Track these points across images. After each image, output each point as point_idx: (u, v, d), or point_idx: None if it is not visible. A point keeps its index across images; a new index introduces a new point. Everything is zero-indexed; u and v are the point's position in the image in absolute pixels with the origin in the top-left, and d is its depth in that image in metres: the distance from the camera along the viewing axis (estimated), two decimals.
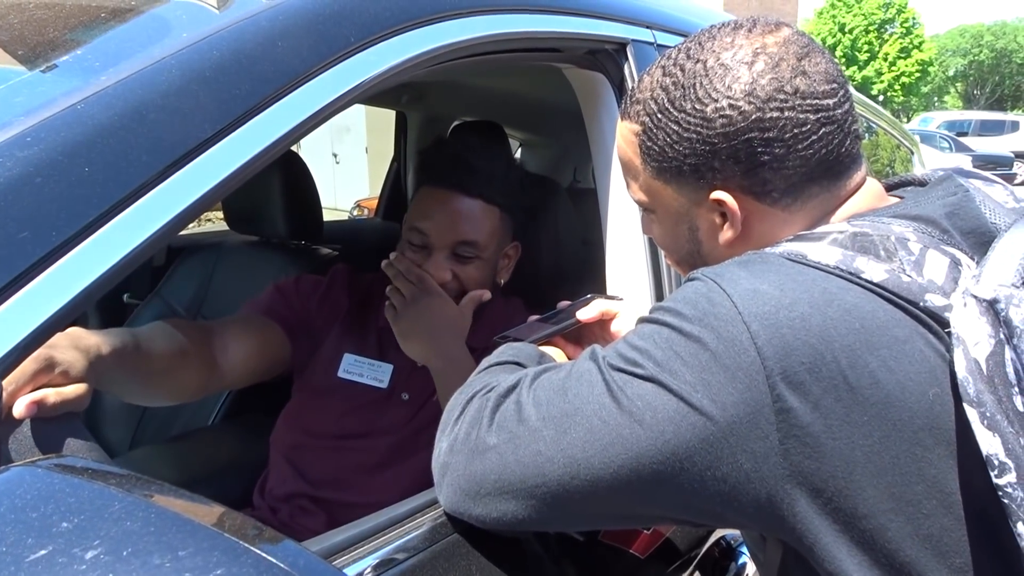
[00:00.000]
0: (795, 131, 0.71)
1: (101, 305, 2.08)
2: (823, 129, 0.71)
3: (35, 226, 0.54)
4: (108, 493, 0.38)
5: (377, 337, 1.31)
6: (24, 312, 0.53)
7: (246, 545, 0.36)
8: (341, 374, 1.28)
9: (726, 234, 0.77)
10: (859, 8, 39.94)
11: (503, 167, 1.26)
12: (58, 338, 0.76)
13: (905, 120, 33.26)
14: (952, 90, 57.22)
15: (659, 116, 0.75)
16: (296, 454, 1.28)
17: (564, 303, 1.04)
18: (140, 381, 0.96)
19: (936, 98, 55.17)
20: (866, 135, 2.60)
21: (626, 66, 1.19)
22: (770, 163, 0.72)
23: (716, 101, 0.72)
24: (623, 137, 0.81)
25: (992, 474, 0.59)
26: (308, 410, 1.28)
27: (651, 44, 1.24)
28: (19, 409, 0.66)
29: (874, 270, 0.65)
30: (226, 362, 1.14)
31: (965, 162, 12.51)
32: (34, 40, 0.79)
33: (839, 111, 0.72)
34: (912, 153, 2.85)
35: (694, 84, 0.73)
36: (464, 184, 1.20)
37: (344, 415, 1.26)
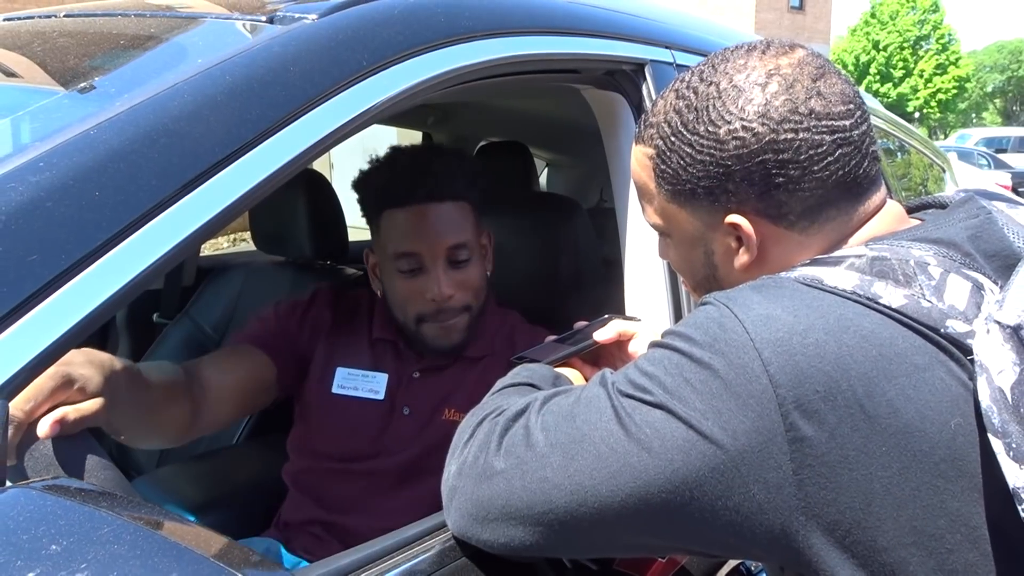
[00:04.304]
0: (810, 152, 0.69)
1: (130, 324, 2.12)
2: (839, 150, 0.70)
3: (45, 249, 0.55)
4: (98, 516, 0.38)
5: (370, 348, 1.28)
6: (33, 333, 0.54)
7: (231, 570, 0.35)
8: (335, 390, 1.25)
9: (742, 258, 0.76)
10: (893, 25, 39.53)
11: (456, 161, 1.24)
12: (73, 355, 0.77)
13: (942, 137, 32.76)
14: (990, 106, 56.28)
15: (672, 139, 0.75)
16: (306, 479, 1.25)
17: (581, 323, 1.03)
18: (138, 411, 0.93)
19: (974, 115, 54.27)
20: (898, 154, 2.56)
21: (644, 86, 1.18)
22: (785, 185, 0.70)
23: (729, 123, 0.71)
24: (637, 161, 0.81)
25: (1020, 508, 0.57)
26: (310, 432, 1.26)
27: (670, 64, 1.24)
28: (43, 429, 0.66)
29: (893, 295, 0.64)
30: (212, 395, 1.10)
31: (1004, 179, 12.23)
32: (55, 67, 0.82)
33: (856, 132, 0.71)
34: (944, 171, 2.80)
35: (707, 106, 0.72)
36: (432, 192, 1.18)
37: (346, 435, 1.23)
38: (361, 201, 1.24)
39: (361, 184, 1.24)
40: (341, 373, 1.25)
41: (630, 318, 1.02)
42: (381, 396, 1.23)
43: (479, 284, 1.24)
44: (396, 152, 1.24)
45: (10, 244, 0.54)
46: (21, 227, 0.55)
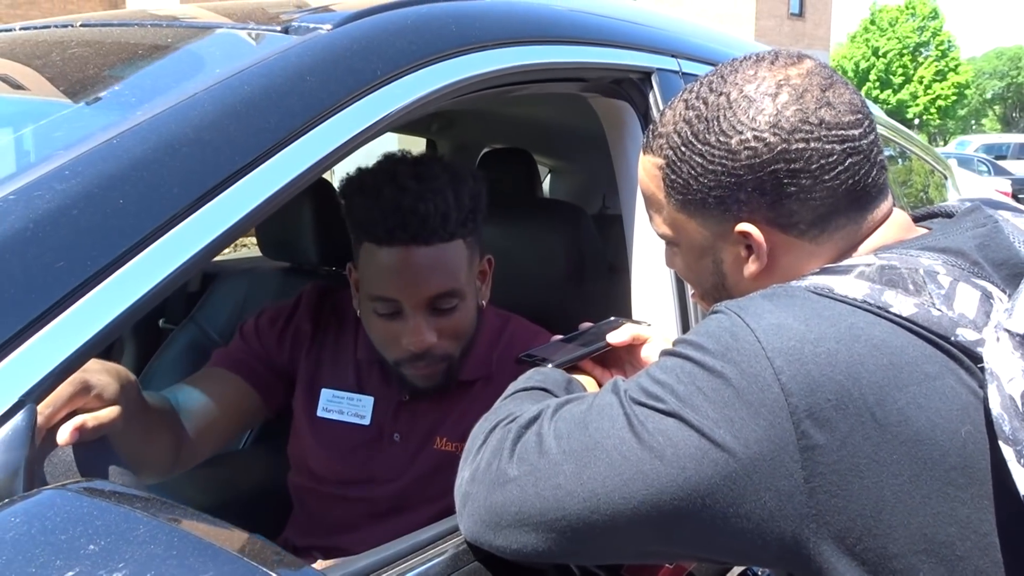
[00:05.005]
0: (821, 162, 0.70)
1: (137, 330, 2.13)
2: (849, 159, 0.71)
3: (71, 256, 0.56)
4: (133, 517, 0.39)
5: (355, 368, 1.19)
6: (60, 338, 0.55)
7: (265, 570, 0.36)
8: (320, 413, 1.17)
9: (751, 267, 0.76)
10: (893, 32, 39.70)
11: (451, 196, 1.04)
12: (90, 362, 0.77)
13: (942, 143, 32.83)
14: (990, 113, 56.44)
15: (683, 149, 0.75)
16: (307, 498, 1.22)
17: (586, 324, 1.03)
18: (140, 431, 0.89)
19: (973, 121, 54.43)
20: (899, 161, 2.57)
21: (651, 95, 1.19)
22: (797, 194, 0.71)
23: (741, 133, 0.71)
24: (646, 171, 0.81)
25: None
26: (305, 451, 1.20)
27: (676, 72, 1.25)
28: (63, 436, 0.67)
29: (903, 304, 0.65)
30: (195, 429, 1.06)
31: (1004, 185, 12.27)
32: (75, 77, 0.83)
33: (864, 141, 0.72)
34: (946, 178, 2.81)
35: (718, 117, 0.73)
36: (418, 236, 1.02)
37: (337, 459, 1.17)
38: (344, 213, 1.11)
39: (344, 197, 1.10)
40: (326, 395, 1.18)
41: (638, 322, 1.02)
42: (367, 421, 1.16)
43: (466, 328, 1.12)
44: (382, 179, 1.05)
45: (38, 251, 0.55)
46: (48, 234, 0.56)
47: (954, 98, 39.07)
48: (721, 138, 0.72)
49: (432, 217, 1.02)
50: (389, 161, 1.10)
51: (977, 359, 0.63)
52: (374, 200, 1.04)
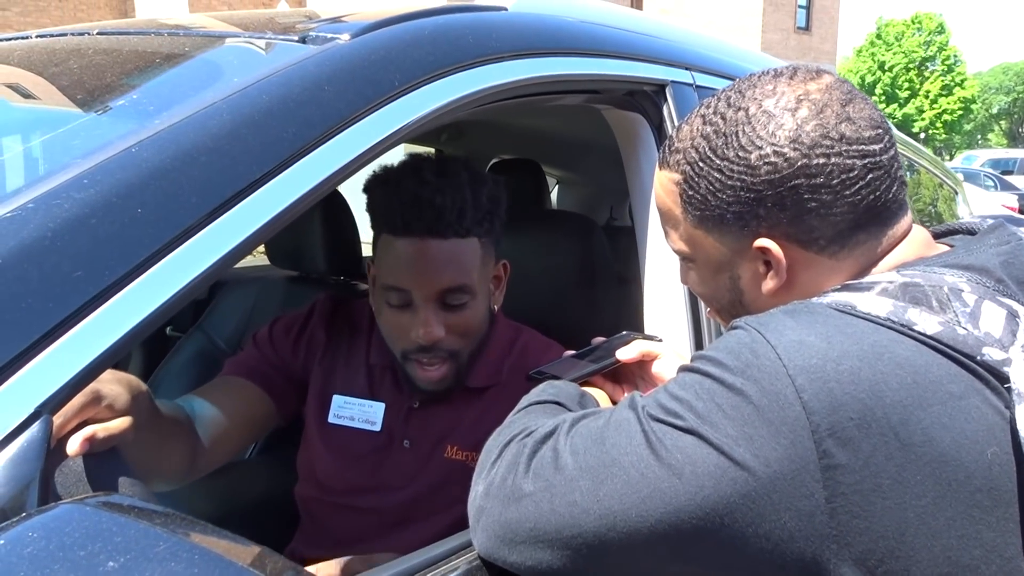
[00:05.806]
0: (842, 177, 0.70)
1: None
2: (870, 175, 0.70)
3: (89, 265, 0.56)
4: (153, 533, 0.39)
5: (367, 374, 1.20)
6: (78, 348, 0.55)
7: None
8: (331, 419, 1.18)
9: (769, 283, 0.75)
10: (899, 46, 39.78)
11: (468, 194, 1.07)
12: (103, 373, 0.77)
13: (948, 158, 32.82)
14: (996, 128, 56.44)
15: (701, 165, 0.75)
16: (316, 509, 1.22)
17: (599, 339, 1.03)
18: (151, 439, 0.89)
19: (980, 136, 54.43)
20: (908, 174, 2.56)
21: (665, 107, 1.19)
22: (817, 210, 0.71)
23: (760, 148, 0.71)
24: (662, 186, 0.81)
25: None
26: (313, 460, 1.20)
27: (690, 85, 1.25)
28: (73, 447, 0.66)
29: (927, 322, 0.64)
30: (210, 436, 1.06)
31: (1011, 200, 12.26)
32: (92, 85, 0.83)
33: (885, 156, 0.72)
34: (956, 193, 2.80)
35: (736, 132, 0.72)
36: (433, 229, 1.05)
37: (346, 466, 1.17)
38: (366, 208, 1.14)
39: (367, 191, 1.13)
40: (337, 401, 1.19)
41: (649, 336, 1.01)
42: (378, 427, 1.17)
43: (475, 327, 1.13)
44: (404, 172, 1.09)
45: (56, 260, 0.55)
46: (67, 243, 0.55)
47: (960, 113, 39.08)
48: (740, 153, 0.72)
49: (448, 211, 1.05)
50: (413, 158, 1.13)
51: (1003, 379, 0.62)
52: (394, 191, 1.07)
